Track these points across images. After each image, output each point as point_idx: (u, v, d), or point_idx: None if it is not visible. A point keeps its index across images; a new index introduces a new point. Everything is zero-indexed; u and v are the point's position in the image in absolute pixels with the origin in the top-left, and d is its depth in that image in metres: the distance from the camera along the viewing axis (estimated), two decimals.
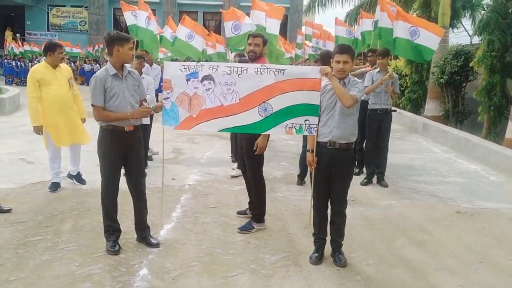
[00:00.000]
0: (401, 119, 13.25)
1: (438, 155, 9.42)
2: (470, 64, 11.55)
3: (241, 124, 4.26)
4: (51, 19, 36.18)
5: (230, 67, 4.27)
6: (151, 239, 4.35)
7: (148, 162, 7.28)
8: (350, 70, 4.04)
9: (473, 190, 6.75)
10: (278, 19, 9.27)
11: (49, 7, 35.89)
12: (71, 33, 35.62)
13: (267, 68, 4.17)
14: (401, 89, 17.07)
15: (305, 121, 4.09)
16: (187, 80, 4.28)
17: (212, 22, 35.99)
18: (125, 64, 4.20)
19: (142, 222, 4.40)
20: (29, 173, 6.71)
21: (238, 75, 4.21)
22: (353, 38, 13.04)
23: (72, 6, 35.99)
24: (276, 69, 4.16)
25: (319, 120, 4.05)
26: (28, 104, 5.80)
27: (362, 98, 6.91)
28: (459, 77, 12.67)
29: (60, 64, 5.88)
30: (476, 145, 9.03)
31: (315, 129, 4.06)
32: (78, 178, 6.25)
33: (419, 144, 10.69)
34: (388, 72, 6.67)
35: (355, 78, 4.06)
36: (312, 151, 4.05)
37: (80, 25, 36.28)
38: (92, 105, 4.06)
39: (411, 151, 9.67)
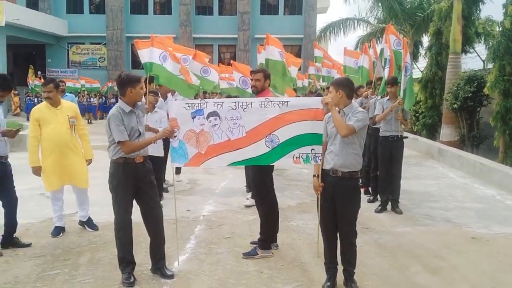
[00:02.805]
0: (416, 145, 13.21)
1: (454, 180, 9.35)
2: (484, 90, 11.52)
3: (249, 157, 4.39)
4: (71, 56, 37.20)
5: (235, 102, 4.42)
6: (165, 270, 4.42)
7: (164, 193, 7.41)
8: (342, 100, 4.06)
9: (489, 215, 6.69)
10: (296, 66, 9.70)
11: (69, 45, 36.94)
12: (90, 70, 36.51)
13: (271, 101, 4.33)
14: (416, 114, 17.10)
15: (311, 150, 4.22)
16: (193, 117, 4.41)
17: (227, 55, 36.58)
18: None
19: (158, 252, 4.47)
20: (48, 208, 6.81)
21: (243, 109, 4.35)
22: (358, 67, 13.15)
23: (91, 43, 37.00)
24: (280, 101, 4.33)
25: (323, 148, 4.16)
26: (28, 143, 5.67)
27: (375, 125, 7.03)
28: (472, 103, 12.66)
29: (63, 102, 5.69)
30: (492, 170, 8.95)
31: (320, 158, 4.17)
32: (89, 224, 5.92)
33: (435, 169, 10.63)
34: (398, 99, 6.74)
35: (358, 108, 4.12)
36: (318, 176, 4.13)
37: (99, 61, 37.21)
38: (118, 141, 4.17)
39: (427, 177, 9.63)
